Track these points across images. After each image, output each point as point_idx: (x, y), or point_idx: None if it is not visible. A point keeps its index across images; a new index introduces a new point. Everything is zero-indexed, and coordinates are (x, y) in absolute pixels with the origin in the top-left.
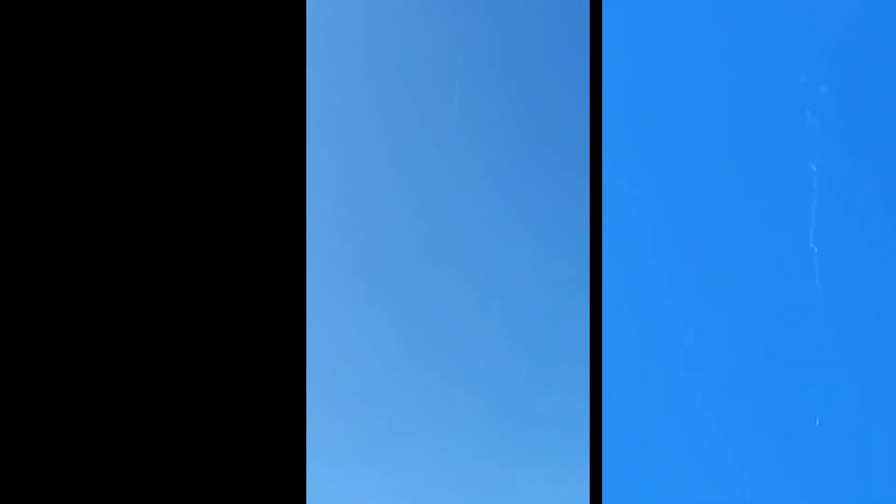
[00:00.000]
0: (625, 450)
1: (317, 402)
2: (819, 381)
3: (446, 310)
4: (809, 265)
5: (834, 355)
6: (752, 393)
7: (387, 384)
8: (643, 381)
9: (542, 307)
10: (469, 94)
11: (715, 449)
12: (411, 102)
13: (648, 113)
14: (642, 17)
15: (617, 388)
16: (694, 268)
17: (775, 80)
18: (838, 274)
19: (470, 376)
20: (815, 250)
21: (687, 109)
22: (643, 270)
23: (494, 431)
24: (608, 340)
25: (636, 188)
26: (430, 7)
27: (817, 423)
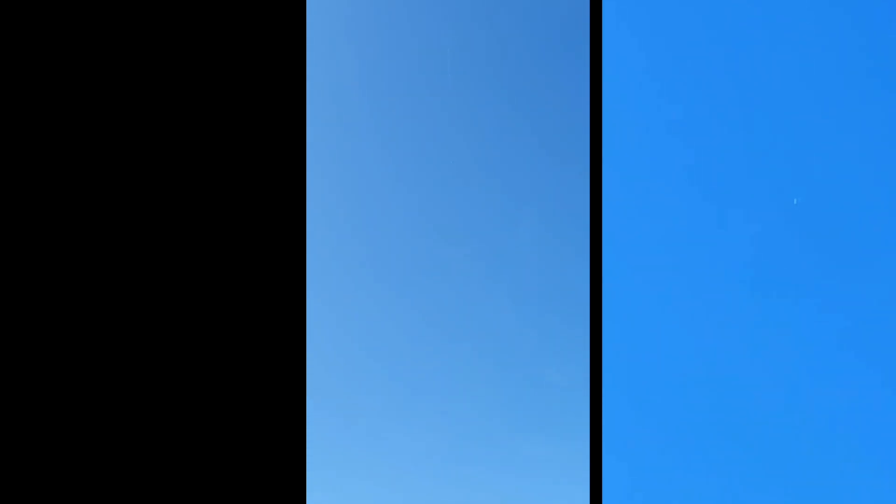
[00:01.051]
0: (624, 416)
1: (323, 379)
2: (816, 376)
3: (453, 283)
4: (805, 254)
5: (832, 352)
6: (749, 368)
7: (395, 355)
8: (642, 349)
9: (545, 282)
10: (466, 85)
11: (711, 414)
12: (411, 96)
13: (647, 93)
14: (642, 13)
15: (617, 356)
16: (693, 242)
17: (775, 78)
18: (836, 270)
19: (475, 345)
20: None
21: (684, 91)
22: (643, 245)
23: (500, 397)
24: (608, 313)
25: (634, 166)
26: (431, 6)
27: (795, 202)
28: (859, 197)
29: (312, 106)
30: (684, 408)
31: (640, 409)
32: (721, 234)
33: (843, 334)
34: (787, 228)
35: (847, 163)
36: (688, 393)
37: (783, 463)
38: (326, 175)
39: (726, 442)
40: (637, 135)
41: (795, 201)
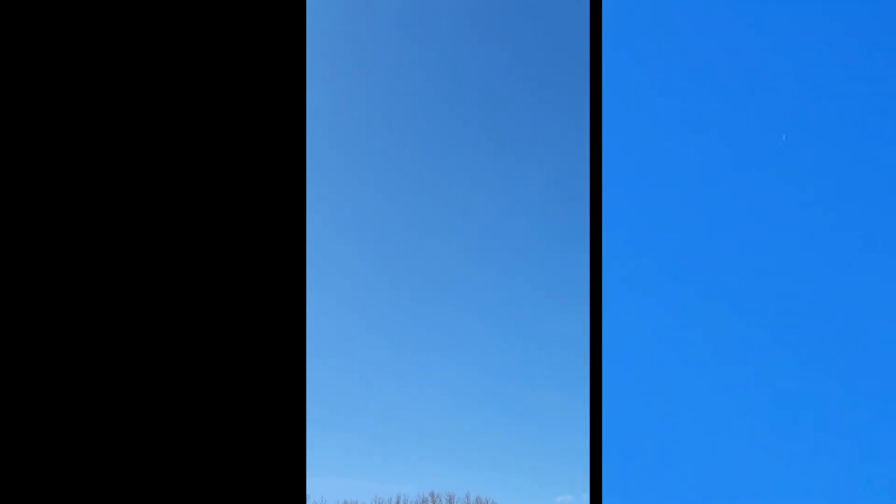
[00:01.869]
0: (620, 371)
1: (332, 346)
2: (818, 369)
3: (463, 259)
4: (804, 251)
5: (833, 349)
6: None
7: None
8: (639, 311)
9: (548, 256)
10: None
11: (705, 371)
12: (410, 94)
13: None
14: (642, 12)
15: (616, 317)
16: (690, 214)
17: (775, 77)
18: (836, 270)
19: (484, 312)
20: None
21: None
22: (642, 223)
23: (509, 352)
24: (608, 284)
25: (634, 147)
26: (431, 5)
27: (784, 138)
28: (863, 198)
29: (312, 100)
30: (682, 366)
31: (637, 363)
32: (717, 205)
33: (842, 331)
34: (785, 223)
35: (849, 162)
36: (686, 353)
37: (778, 409)
38: (330, 158)
39: (725, 398)
40: (636, 105)
41: (784, 137)
